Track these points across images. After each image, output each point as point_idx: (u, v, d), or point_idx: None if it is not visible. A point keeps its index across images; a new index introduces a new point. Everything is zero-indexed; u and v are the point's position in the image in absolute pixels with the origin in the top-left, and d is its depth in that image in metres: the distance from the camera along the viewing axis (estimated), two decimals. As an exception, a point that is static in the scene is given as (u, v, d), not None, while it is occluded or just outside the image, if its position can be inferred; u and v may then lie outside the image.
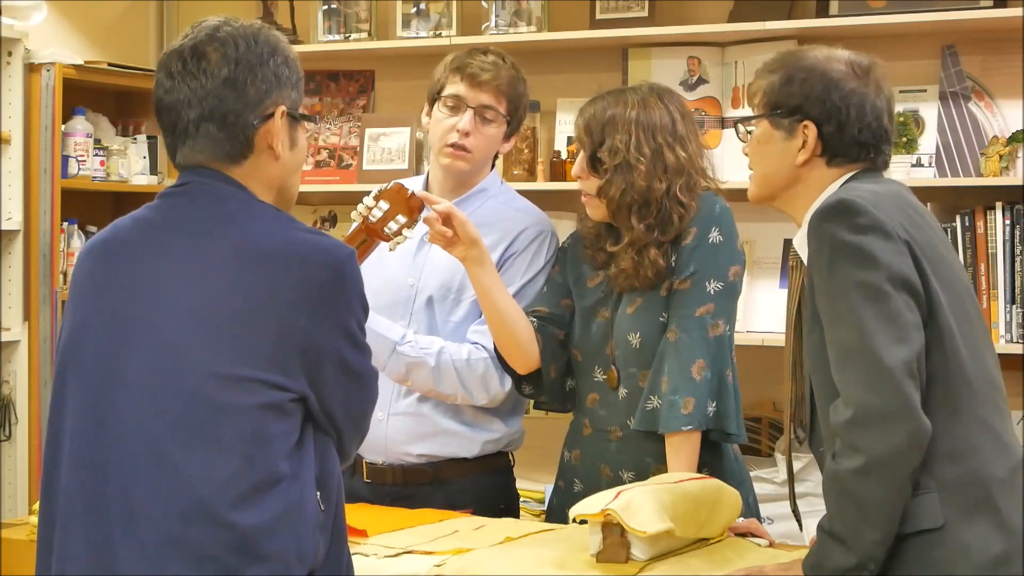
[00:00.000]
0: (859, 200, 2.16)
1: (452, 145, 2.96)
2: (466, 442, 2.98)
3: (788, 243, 4.03)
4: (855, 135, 2.30)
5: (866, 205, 2.15)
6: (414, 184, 3.04)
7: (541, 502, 4.06)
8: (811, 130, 2.30)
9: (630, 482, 2.75)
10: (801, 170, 2.33)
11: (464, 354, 2.92)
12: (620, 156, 2.77)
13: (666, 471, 2.76)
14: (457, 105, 2.95)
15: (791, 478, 2.51)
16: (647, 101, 2.81)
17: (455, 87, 2.96)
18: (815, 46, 2.38)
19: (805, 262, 2.27)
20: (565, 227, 4.26)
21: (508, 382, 2.96)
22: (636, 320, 2.81)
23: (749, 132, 2.40)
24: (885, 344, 2.08)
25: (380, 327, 2.87)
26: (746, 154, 2.41)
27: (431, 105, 3.02)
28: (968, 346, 2.18)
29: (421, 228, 2.85)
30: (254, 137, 2.08)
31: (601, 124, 2.79)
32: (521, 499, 3.55)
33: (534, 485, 4.17)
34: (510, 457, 3.10)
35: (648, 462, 2.81)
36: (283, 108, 2.10)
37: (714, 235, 2.79)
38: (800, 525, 2.55)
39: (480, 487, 3.02)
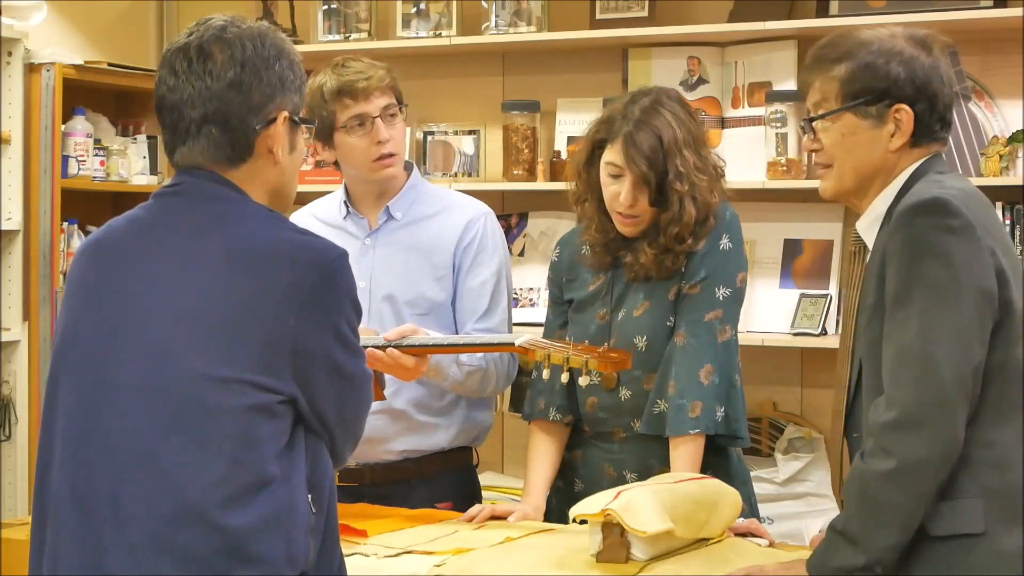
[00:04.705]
0: (953, 200, 2.10)
1: (380, 158, 3.00)
2: (443, 432, 3.03)
3: (788, 243, 4.03)
4: (941, 110, 2.24)
5: (960, 207, 2.10)
6: (332, 203, 3.13)
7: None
8: (906, 113, 2.22)
9: (633, 481, 2.75)
10: (892, 156, 2.25)
11: (495, 352, 2.97)
12: (687, 180, 2.75)
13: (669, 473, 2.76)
14: (363, 121, 2.98)
15: (840, 469, 2.43)
16: (676, 112, 2.78)
17: (350, 109, 2.97)
18: (865, 27, 2.32)
19: (869, 247, 2.23)
20: (565, 227, 4.27)
21: (516, 369, 3.05)
22: (643, 323, 2.81)
23: (803, 127, 2.32)
24: (947, 355, 2.05)
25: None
26: (814, 150, 2.32)
27: (326, 139, 3.00)
28: None
29: (358, 228, 3.05)
30: (255, 141, 2.07)
31: (659, 151, 2.73)
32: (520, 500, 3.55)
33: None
34: (475, 454, 3.15)
35: (652, 464, 2.81)
36: (285, 113, 2.08)
37: (724, 242, 2.80)
38: None
39: (456, 482, 3.07)
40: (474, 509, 2.81)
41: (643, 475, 2.79)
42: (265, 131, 2.07)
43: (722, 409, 2.74)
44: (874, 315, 2.18)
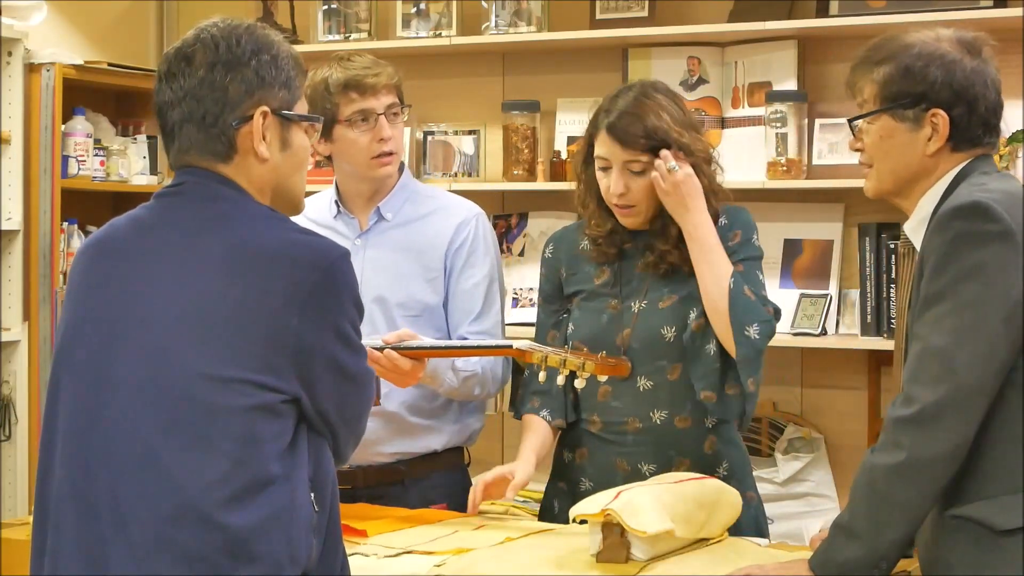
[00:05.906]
0: (994, 205, 2.10)
1: (380, 156, 2.99)
2: (435, 434, 3.03)
3: (788, 243, 4.03)
4: (983, 114, 2.24)
5: (1000, 211, 2.09)
6: (323, 202, 3.11)
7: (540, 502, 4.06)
8: (941, 118, 2.23)
9: (651, 475, 2.77)
10: (930, 160, 2.25)
11: (490, 356, 2.97)
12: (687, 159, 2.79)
13: (688, 466, 2.78)
14: (367, 117, 2.97)
15: None
16: (660, 100, 2.82)
17: (355, 103, 2.97)
18: (912, 30, 2.32)
19: (918, 248, 2.23)
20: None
21: (509, 373, 3.05)
22: (673, 315, 2.82)
23: (853, 127, 2.32)
24: (968, 358, 2.06)
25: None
26: (858, 150, 2.33)
27: (325, 132, 2.97)
28: None
29: (348, 229, 3.03)
30: (236, 138, 2.07)
31: (639, 138, 2.77)
32: (522, 499, 3.56)
33: (534, 485, 4.16)
34: (467, 454, 3.15)
35: (671, 455, 2.82)
36: (264, 108, 2.08)
37: (755, 239, 2.88)
38: None
39: (449, 483, 3.07)
40: (470, 496, 2.81)
41: (662, 467, 2.80)
42: (244, 127, 2.07)
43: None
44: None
